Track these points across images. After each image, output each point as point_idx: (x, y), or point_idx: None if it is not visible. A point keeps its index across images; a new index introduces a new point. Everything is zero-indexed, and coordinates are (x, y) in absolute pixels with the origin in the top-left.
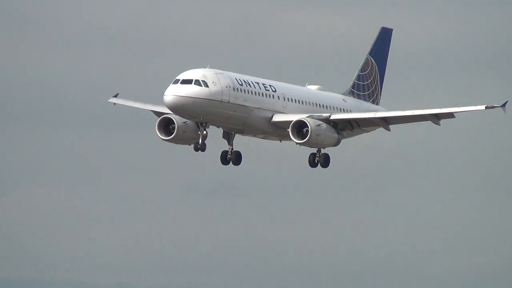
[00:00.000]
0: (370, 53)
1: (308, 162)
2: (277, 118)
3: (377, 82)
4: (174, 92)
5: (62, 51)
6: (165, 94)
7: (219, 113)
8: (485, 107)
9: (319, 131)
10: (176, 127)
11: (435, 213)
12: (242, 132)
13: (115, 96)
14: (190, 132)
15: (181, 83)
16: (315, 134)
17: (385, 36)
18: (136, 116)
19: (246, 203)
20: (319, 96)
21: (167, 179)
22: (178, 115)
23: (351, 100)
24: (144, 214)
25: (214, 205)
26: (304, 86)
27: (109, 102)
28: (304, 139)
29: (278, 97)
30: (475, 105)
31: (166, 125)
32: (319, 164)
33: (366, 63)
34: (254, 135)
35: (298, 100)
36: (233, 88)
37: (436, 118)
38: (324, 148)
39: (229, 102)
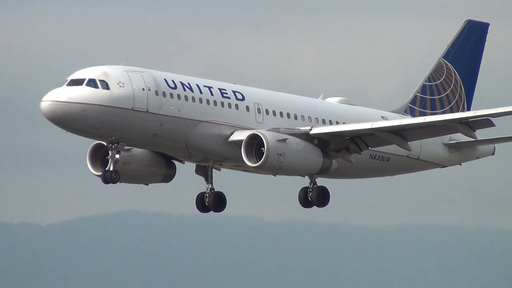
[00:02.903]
0: (446, 57)
1: (298, 200)
2: (237, 135)
3: (460, 96)
4: (53, 97)
5: None
6: (41, 100)
7: (135, 127)
8: None
9: (284, 150)
10: (110, 158)
11: None
12: (188, 157)
13: None
14: (137, 164)
15: (68, 84)
16: (275, 153)
17: (474, 33)
18: None
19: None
20: (332, 110)
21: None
22: (70, 131)
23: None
24: None
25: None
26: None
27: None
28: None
29: (248, 107)
30: None
31: (105, 155)
32: (314, 202)
33: (438, 70)
34: (220, 164)
35: (288, 114)
36: (156, 92)
37: (467, 128)
38: (304, 176)
39: (147, 111)
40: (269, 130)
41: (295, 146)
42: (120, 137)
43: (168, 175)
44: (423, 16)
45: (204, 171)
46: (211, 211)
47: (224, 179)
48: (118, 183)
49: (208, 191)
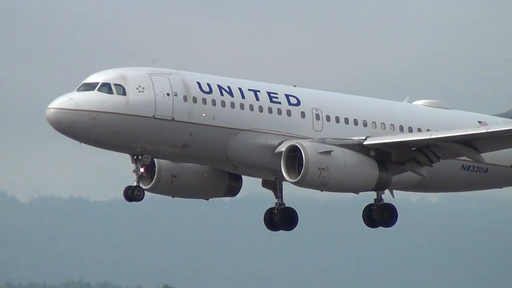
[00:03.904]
0: None
1: (362, 219)
2: (285, 146)
3: None
4: (60, 104)
5: None
6: (47, 106)
7: (158, 138)
8: None
9: (327, 163)
10: (157, 169)
11: None
12: (234, 170)
13: None
14: (191, 177)
15: (78, 89)
16: (316, 168)
17: None
18: None
19: None
20: (415, 115)
21: None
22: (82, 142)
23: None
24: None
25: None
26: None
27: None
28: None
29: (303, 113)
30: None
31: (153, 166)
32: (379, 222)
33: None
34: (276, 178)
35: (355, 120)
36: (185, 97)
37: None
38: (357, 193)
39: (173, 119)
40: (311, 140)
41: (342, 159)
42: (143, 148)
43: (232, 188)
44: None
45: (272, 184)
46: (281, 229)
47: (297, 193)
48: (173, 197)
49: (277, 206)
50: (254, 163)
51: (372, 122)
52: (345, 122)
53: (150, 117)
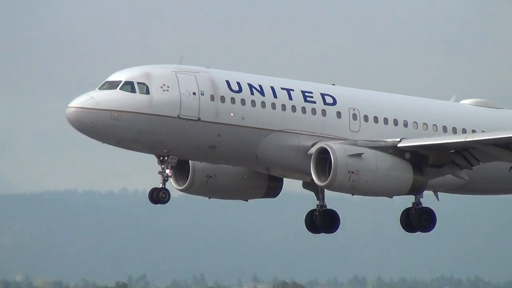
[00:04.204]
0: None
1: (400, 223)
2: (317, 147)
3: None
4: (80, 103)
5: None
6: (68, 105)
7: (184, 138)
8: None
9: (358, 167)
10: (191, 170)
11: None
12: (267, 171)
13: None
14: (228, 178)
15: (101, 87)
16: (345, 171)
17: None
18: None
19: None
20: (461, 115)
21: None
22: (104, 142)
23: None
24: None
25: None
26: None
27: None
28: None
29: (339, 113)
30: None
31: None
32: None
33: None
34: (312, 180)
35: (395, 120)
36: (212, 97)
37: None
38: (390, 197)
39: (199, 119)
40: (342, 142)
41: (374, 162)
42: (168, 149)
43: (272, 189)
44: None
45: (313, 186)
46: (322, 232)
47: (339, 194)
48: (209, 198)
49: (318, 208)
50: (286, 165)
51: (414, 122)
52: (384, 122)
53: (174, 117)
